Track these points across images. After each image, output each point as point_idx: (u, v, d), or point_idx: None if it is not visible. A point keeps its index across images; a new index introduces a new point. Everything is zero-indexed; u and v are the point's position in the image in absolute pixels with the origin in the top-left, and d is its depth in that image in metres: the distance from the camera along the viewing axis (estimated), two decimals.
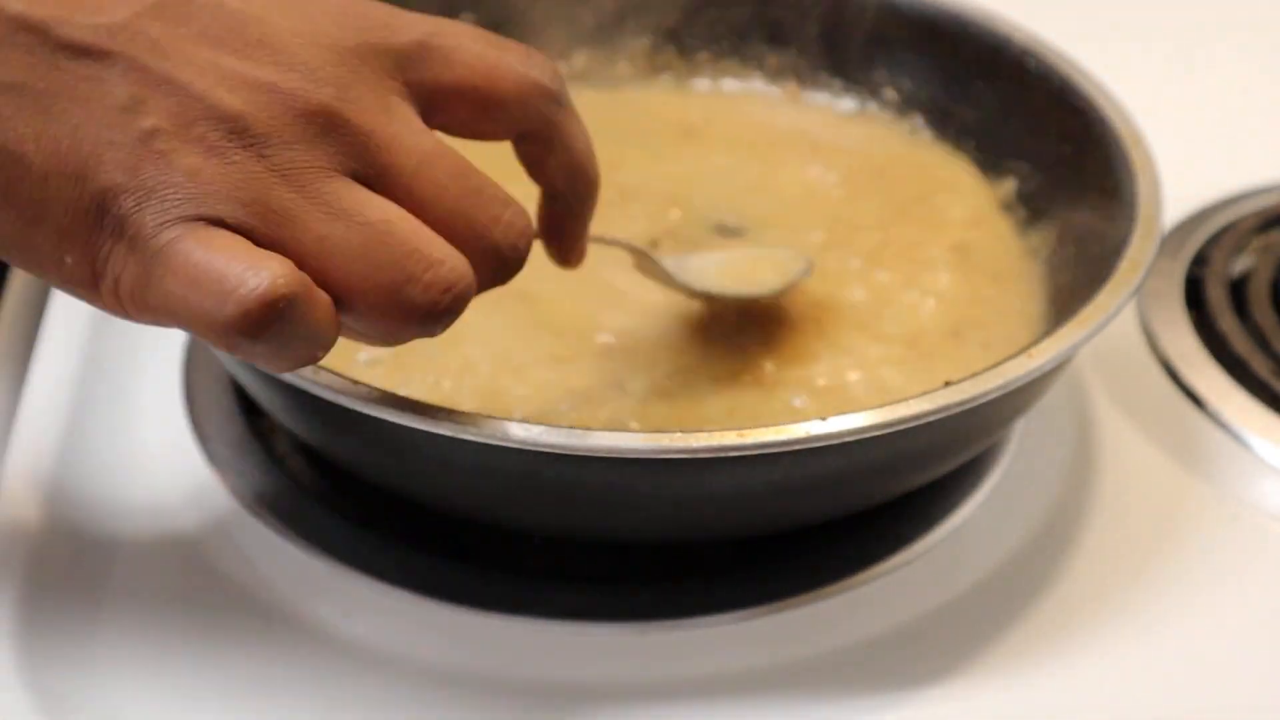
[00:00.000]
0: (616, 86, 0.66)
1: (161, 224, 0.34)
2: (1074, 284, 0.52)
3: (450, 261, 0.37)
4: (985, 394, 0.43)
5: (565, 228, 0.45)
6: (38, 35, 0.35)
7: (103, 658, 0.45)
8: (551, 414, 0.48)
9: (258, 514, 0.50)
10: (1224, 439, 0.56)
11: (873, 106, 0.65)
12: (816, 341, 0.53)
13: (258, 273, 0.34)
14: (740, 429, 0.41)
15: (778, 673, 0.46)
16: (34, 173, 0.34)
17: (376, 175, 0.37)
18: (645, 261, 0.51)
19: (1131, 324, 0.61)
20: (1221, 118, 0.76)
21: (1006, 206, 0.59)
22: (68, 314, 0.57)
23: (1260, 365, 0.58)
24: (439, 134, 0.39)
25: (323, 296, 0.35)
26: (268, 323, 0.34)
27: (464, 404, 0.48)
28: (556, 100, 0.42)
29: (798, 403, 0.50)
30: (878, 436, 0.42)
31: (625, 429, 0.47)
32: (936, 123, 0.63)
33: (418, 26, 0.40)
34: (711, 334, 0.53)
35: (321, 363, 0.38)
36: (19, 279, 0.63)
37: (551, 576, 0.49)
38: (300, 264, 0.35)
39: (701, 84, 0.67)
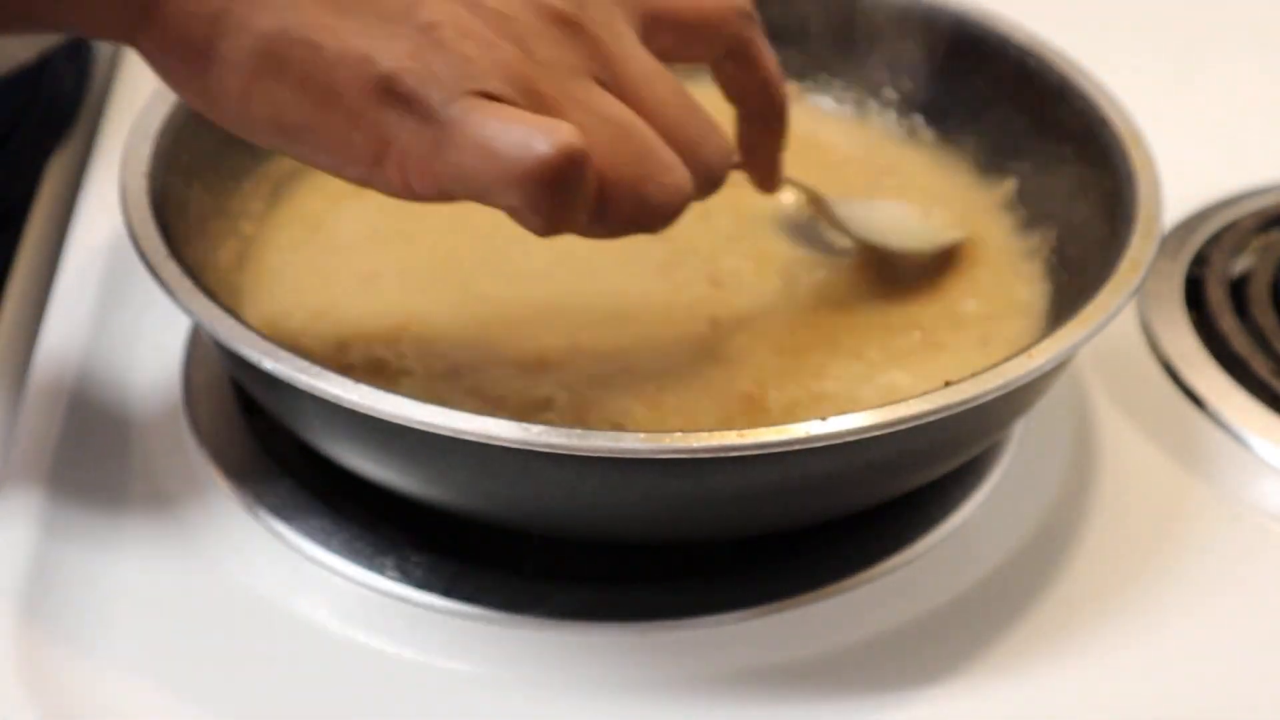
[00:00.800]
0: None
1: (448, 99, 0.38)
2: (1074, 284, 0.52)
3: (680, 169, 0.41)
4: (985, 394, 0.43)
5: (763, 148, 0.50)
6: None
7: (103, 658, 0.45)
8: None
9: (257, 514, 0.50)
10: (1224, 439, 0.56)
11: (873, 106, 0.65)
12: (815, 340, 0.53)
13: (556, 130, 0.38)
14: (740, 429, 0.41)
15: (778, 673, 0.46)
16: (328, 59, 0.38)
17: (614, 82, 0.41)
18: (820, 206, 0.56)
19: (1131, 324, 0.61)
20: (1221, 118, 0.76)
21: (1006, 206, 0.59)
22: (68, 314, 0.57)
23: (1260, 365, 0.58)
24: None
25: (594, 165, 0.39)
26: (565, 174, 0.38)
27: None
28: (753, 22, 0.47)
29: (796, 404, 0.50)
30: (878, 436, 0.42)
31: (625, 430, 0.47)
32: (936, 123, 0.63)
33: None
34: (710, 335, 0.53)
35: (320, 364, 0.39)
36: (19, 279, 0.63)
37: (551, 576, 0.49)
38: None
39: (701, 84, 0.67)
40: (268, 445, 0.53)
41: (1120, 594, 0.50)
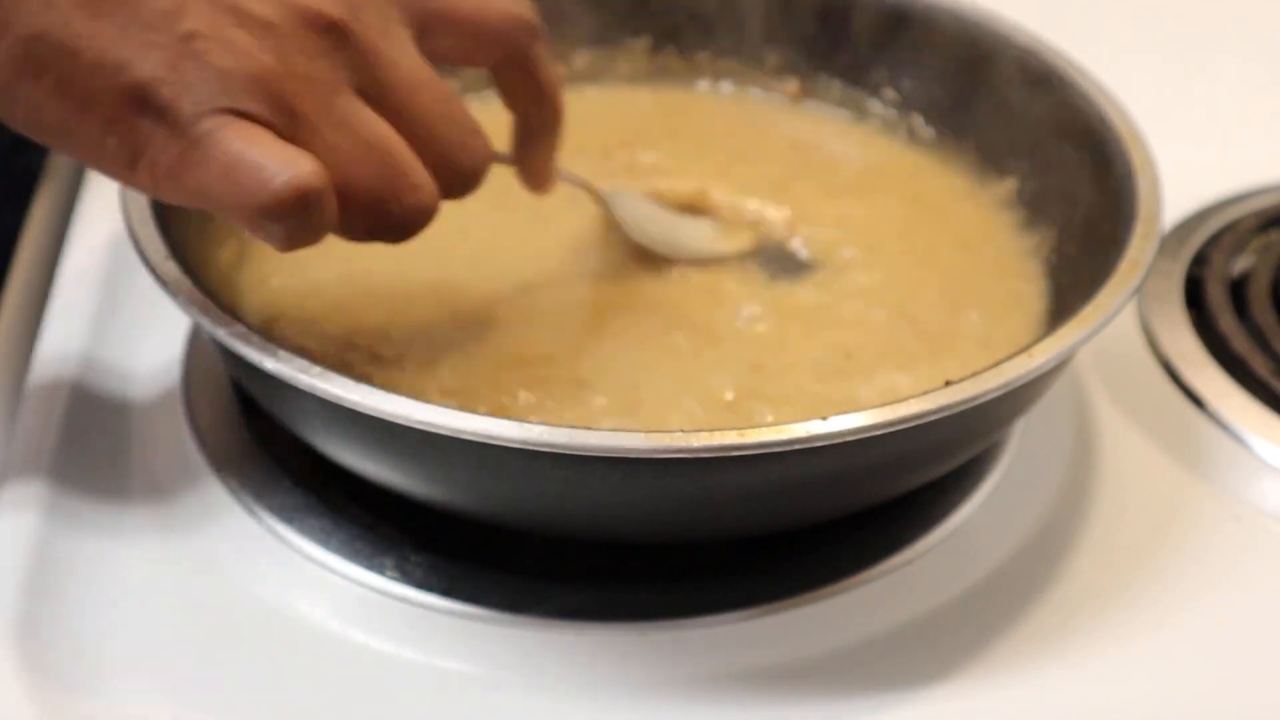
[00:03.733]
0: (617, 86, 0.66)
1: (199, 113, 0.39)
2: (1074, 284, 0.52)
3: (428, 189, 0.43)
4: (985, 394, 0.43)
5: (535, 153, 0.51)
6: None
7: (103, 658, 0.45)
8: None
9: (257, 514, 0.50)
10: (1224, 439, 0.56)
11: (873, 106, 0.65)
12: (814, 340, 0.53)
13: (294, 164, 0.39)
14: (740, 429, 0.41)
15: (778, 673, 0.46)
16: (85, 64, 0.38)
17: (376, 92, 0.42)
18: (598, 200, 0.56)
19: (1131, 324, 0.61)
20: (1221, 118, 0.76)
21: (1007, 206, 0.59)
22: (68, 314, 0.57)
23: (1260, 365, 0.58)
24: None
25: (333, 194, 0.40)
26: (296, 210, 0.39)
27: None
28: (534, 34, 0.48)
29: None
30: (878, 436, 0.42)
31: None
32: (936, 123, 0.63)
33: None
34: (709, 334, 0.53)
35: (320, 363, 0.39)
36: (19, 278, 0.63)
37: (551, 576, 0.49)
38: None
39: (702, 84, 0.67)
40: (268, 445, 0.53)
41: (1120, 594, 0.50)
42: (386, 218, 0.42)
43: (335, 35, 0.41)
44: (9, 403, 0.55)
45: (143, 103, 0.39)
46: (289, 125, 0.40)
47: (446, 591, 0.48)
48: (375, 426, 0.42)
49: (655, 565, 0.49)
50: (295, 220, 0.39)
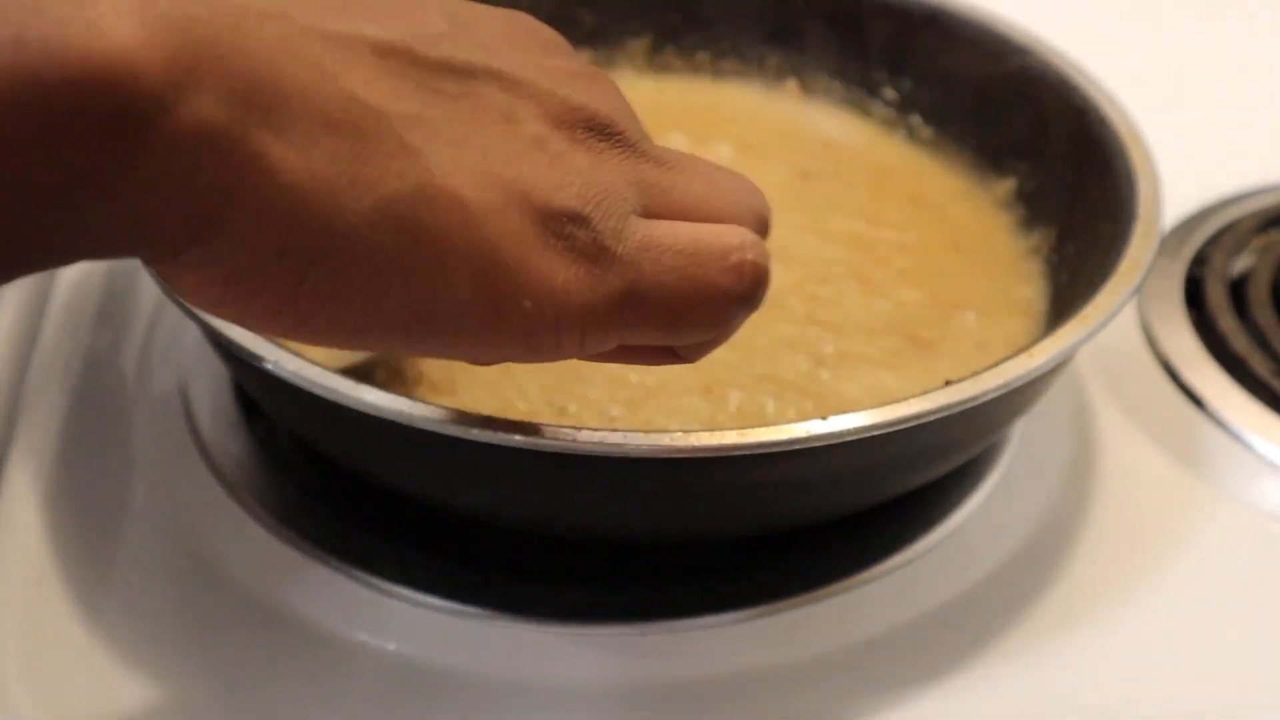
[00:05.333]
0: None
1: (619, 229, 0.33)
2: (1074, 284, 0.52)
3: (743, 177, 0.38)
4: (985, 394, 0.43)
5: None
6: (405, 59, 0.31)
7: (103, 658, 0.45)
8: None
9: (257, 514, 0.50)
10: (1224, 439, 0.56)
11: (873, 106, 0.65)
12: (813, 340, 0.53)
13: (739, 237, 0.35)
14: (740, 429, 0.41)
15: (778, 673, 0.46)
16: (473, 211, 0.30)
17: (662, 211, 0.36)
18: None
19: (1131, 324, 0.61)
20: (1221, 118, 0.76)
21: (1006, 206, 0.59)
22: (68, 314, 0.57)
23: (1260, 365, 0.58)
24: None
25: None
26: (766, 280, 0.35)
27: None
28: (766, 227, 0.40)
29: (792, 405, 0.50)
30: (878, 436, 0.42)
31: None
32: (936, 122, 0.63)
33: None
34: None
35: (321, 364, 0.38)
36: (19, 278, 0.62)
37: (551, 576, 0.49)
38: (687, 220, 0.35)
39: (702, 84, 0.67)
40: (268, 445, 0.53)
41: (1119, 594, 0.50)
42: (762, 232, 0.37)
43: (620, 96, 0.36)
44: (9, 403, 0.54)
45: (551, 237, 0.31)
46: (657, 199, 0.35)
47: (446, 591, 0.48)
48: (375, 427, 0.42)
49: (655, 565, 0.49)
50: (763, 296, 0.35)
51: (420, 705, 0.45)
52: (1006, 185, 0.60)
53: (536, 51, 0.35)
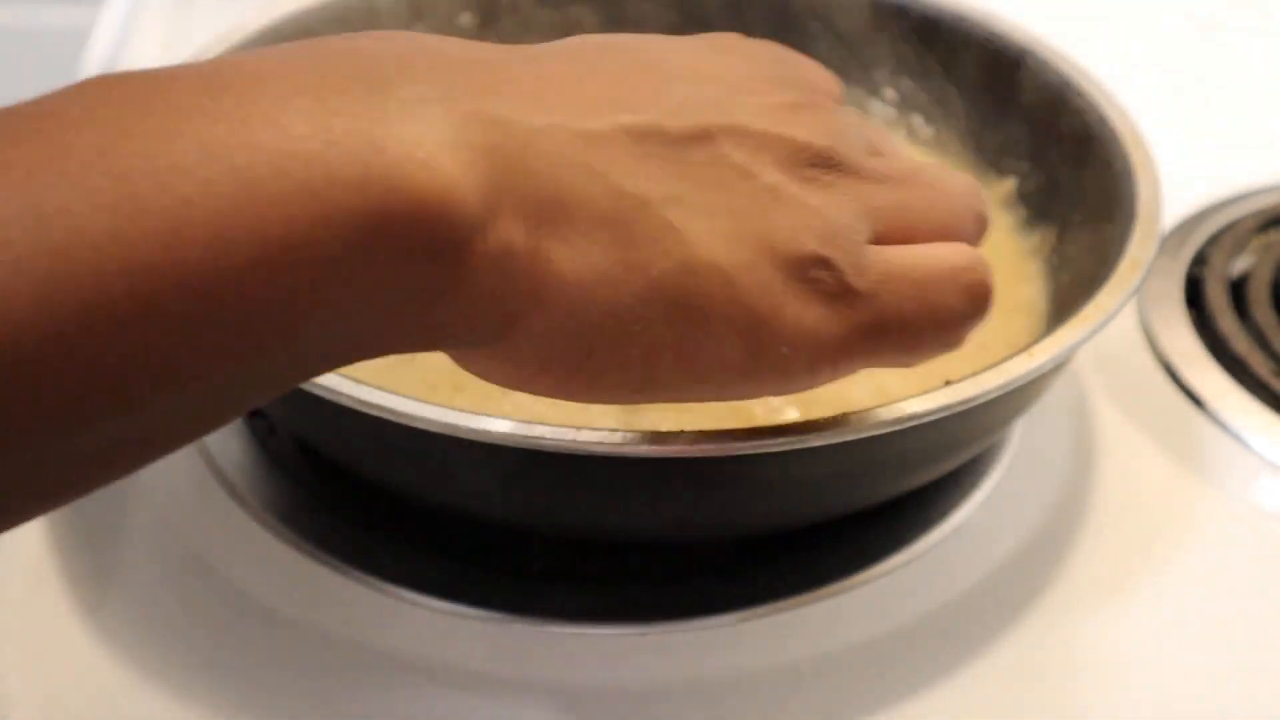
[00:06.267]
0: None
1: (859, 266, 0.34)
2: (1074, 283, 0.52)
3: (961, 175, 0.39)
4: (985, 394, 0.43)
5: None
6: (656, 139, 0.33)
7: (103, 658, 0.45)
8: None
9: (257, 514, 0.50)
10: (1224, 439, 0.56)
11: (873, 106, 0.65)
12: None
13: (965, 256, 0.36)
14: (740, 429, 0.41)
15: (778, 673, 0.46)
16: (733, 276, 0.33)
17: (872, 150, 0.38)
18: None
19: (1131, 324, 0.61)
20: (1221, 118, 0.76)
21: (1006, 206, 0.59)
22: None
23: (1260, 365, 0.58)
24: None
25: None
26: (992, 295, 0.36)
27: None
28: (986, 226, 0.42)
29: (791, 407, 0.50)
30: (878, 436, 0.42)
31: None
32: (936, 122, 0.63)
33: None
34: None
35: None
36: None
37: (551, 576, 0.49)
38: (920, 241, 0.36)
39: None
40: (268, 445, 0.53)
41: (1119, 594, 0.50)
42: (980, 239, 0.39)
43: (836, 119, 0.37)
44: None
45: (798, 283, 0.33)
46: (889, 221, 0.36)
47: (447, 592, 0.48)
48: (375, 426, 0.42)
49: (655, 565, 0.49)
50: (989, 310, 0.36)
51: (420, 705, 0.45)
52: (1006, 185, 0.60)
53: (762, 88, 0.36)
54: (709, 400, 0.35)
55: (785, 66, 0.39)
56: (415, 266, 0.29)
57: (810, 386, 0.36)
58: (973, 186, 0.39)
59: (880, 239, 0.36)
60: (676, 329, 0.33)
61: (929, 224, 0.37)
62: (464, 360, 0.34)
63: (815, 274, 0.34)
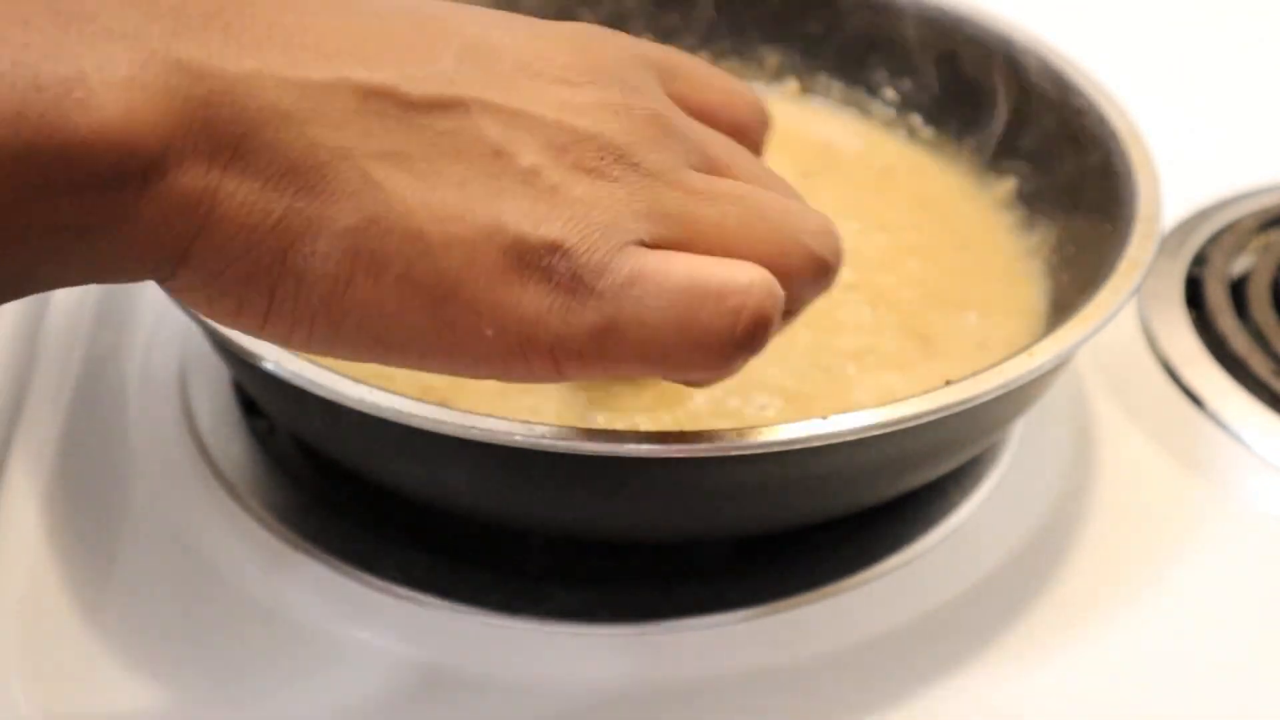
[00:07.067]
0: None
1: (603, 263, 0.33)
2: (1074, 283, 0.52)
3: (809, 209, 0.37)
4: (985, 394, 0.43)
5: None
6: (387, 99, 0.32)
7: (102, 658, 0.45)
8: None
9: (257, 514, 0.50)
10: (1224, 439, 0.56)
11: (873, 106, 0.65)
12: (814, 340, 0.53)
13: (747, 276, 0.34)
14: (740, 429, 0.41)
15: (778, 673, 0.46)
16: (434, 244, 0.32)
17: (710, 167, 0.37)
18: None
19: (1131, 324, 0.61)
20: (1221, 118, 0.76)
21: (1006, 206, 0.59)
22: (68, 314, 0.57)
23: (1260, 365, 0.58)
24: None
25: None
26: (769, 327, 0.34)
27: None
28: (768, 130, 0.43)
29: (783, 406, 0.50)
30: (878, 436, 0.42)
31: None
32: (936, 123, 0.63)
33: (657, 47, 0.40)
34: None
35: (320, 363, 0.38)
36: None
37: (551, 576, 0.49)
38: (709, 251, 0.35)
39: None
40: (268, 445, 0.53)
41: (1119, 594, 0.50)
42: (813, 259, 0.36)
43: (657, 124, 0.36)
44: (9, 403, 0.54)
45: (524, 269, 0.32)
46: (672, 229, 0.34)
47: (446, 591, 0.48)
48: (374, 426, 0.42)
49: (655, 565, 0.49)
50: (767, 340, 0.34)
51: (420, 705, 0.45)
52: (1006, 185, 0.60)
53: (578, 80, 0.35)
54: (424, 370, 0.34)
55: (636, 74, 0.37)
56: (73, 202, 0.29)
57: (535, 380, 0.34)
58: (822, 228, 0.38)
59: (666, 246, 0.34)
60: (363, 289, 0.32)
61: (734, 244, 0.35)
62: (173, 293, 0.33)
63: (549, 262, 0.33)
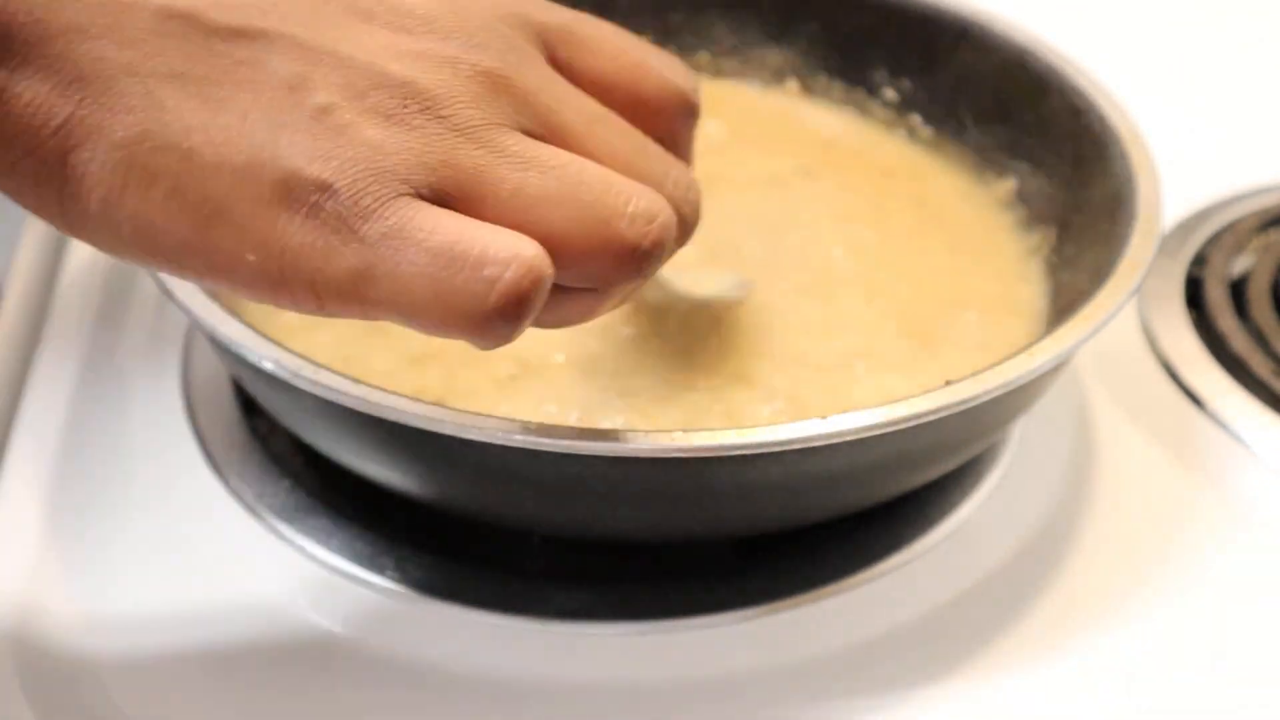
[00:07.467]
0: None
1: (369, 209, 0.33)
2: (1074, 284, 0.52)
3: (648, 196, 0.36)
4: (985, 394, 0.43)
5: None
6: (188, 22, 0.33)
7: (102, 658, 0.45)
8: None
9: (257, 514, 0.50)
10: (1224, 439, 0.56)
11: (873, 106, 0.65)
12: (814, 340, 0.53)
13: (513, 249, 0.33)
14: (740, 429, 0.41)
15: (778, 673, 0.46)
16: (205, 166, 0.32)
17: (549, 133, 0.36)
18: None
19: (1131, 324, 0.61)
20: (1221, 118, 0.76)
21: (1006, 206, 0.59)
22: (68, 314, 0.57)
23: (1260, 365, 0.58)
24: None
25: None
26: (528, 304, 0.33)
27: None
28: (694, 115, 0.42)
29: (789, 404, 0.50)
30: (878, 436, 0.42)
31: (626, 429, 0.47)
32: (936, 122, 0.63)
33: (560, 11, 0.39)
34: (699, 340, 0.53)
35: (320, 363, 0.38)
36: (20, 277, 0.63)
37: (551, 576, 0.49)
38: (500, 221, 0.34)
39: (702, 83, 0.67)
40: (268, 445, 0.53)
41: (1119, 594, 0.50)
42: (618, 240, 0.35)
43: (488, 81, 0.35)
44: (9, 402, 0.54)
45: (288, 203, 0.32)
46: (463, 186, 0.34)
47: (446, 592, 0.48)
48: (374, 426, 0.42)
49: (655, 565, 0.49)
50: (525, 315, 0.33)
51: (420, 705, 0.45)
52: (1006, 185, 0.60)
53: (423, 34, 0.35)
54: (202, 283, 0.36)
55: (498, 32, 0.36)
56: None
57: (303, 310, 0.34)
58: (647, 212, 0.36)
59: (445, 201, 0.34)
60: (133, 199, 0.33)
61: (531, 218, 0.34)
62: None
63: (317, 200, 0.33)
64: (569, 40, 0.39)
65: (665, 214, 0.36)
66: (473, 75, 0.35)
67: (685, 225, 0.38)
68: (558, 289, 0.35)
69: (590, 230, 0.35)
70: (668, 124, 0.41)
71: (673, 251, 0.38)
